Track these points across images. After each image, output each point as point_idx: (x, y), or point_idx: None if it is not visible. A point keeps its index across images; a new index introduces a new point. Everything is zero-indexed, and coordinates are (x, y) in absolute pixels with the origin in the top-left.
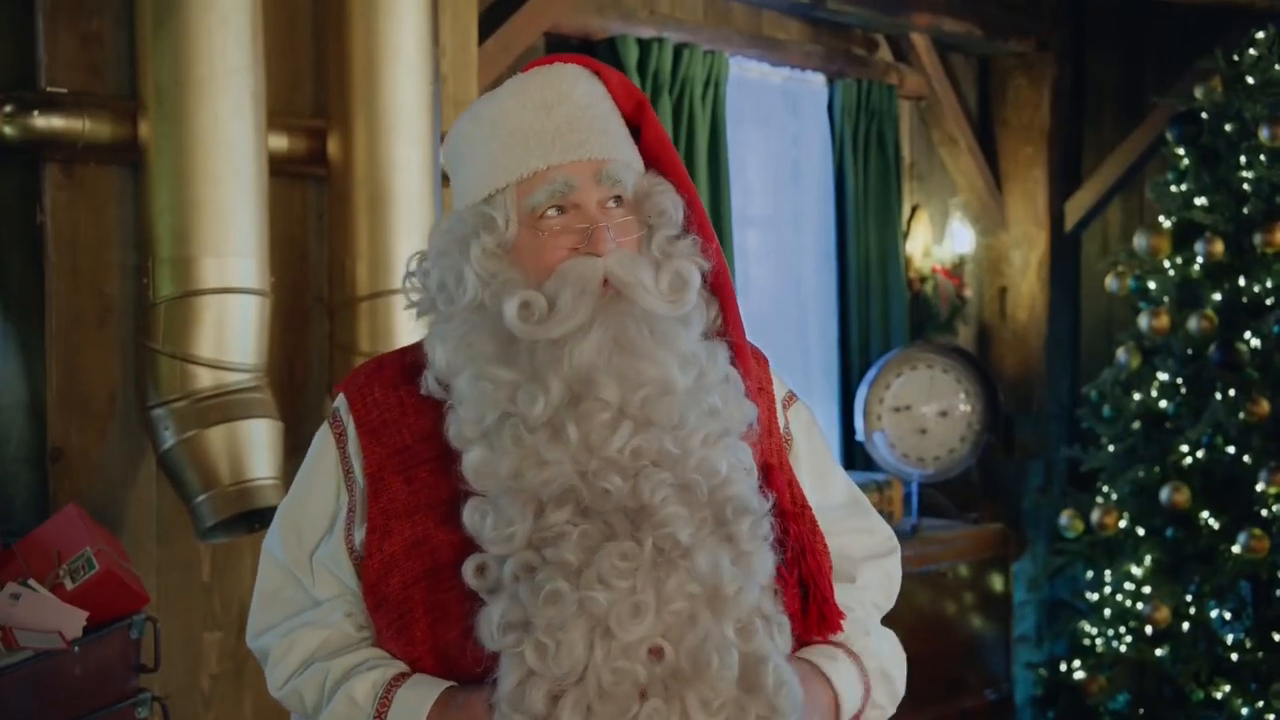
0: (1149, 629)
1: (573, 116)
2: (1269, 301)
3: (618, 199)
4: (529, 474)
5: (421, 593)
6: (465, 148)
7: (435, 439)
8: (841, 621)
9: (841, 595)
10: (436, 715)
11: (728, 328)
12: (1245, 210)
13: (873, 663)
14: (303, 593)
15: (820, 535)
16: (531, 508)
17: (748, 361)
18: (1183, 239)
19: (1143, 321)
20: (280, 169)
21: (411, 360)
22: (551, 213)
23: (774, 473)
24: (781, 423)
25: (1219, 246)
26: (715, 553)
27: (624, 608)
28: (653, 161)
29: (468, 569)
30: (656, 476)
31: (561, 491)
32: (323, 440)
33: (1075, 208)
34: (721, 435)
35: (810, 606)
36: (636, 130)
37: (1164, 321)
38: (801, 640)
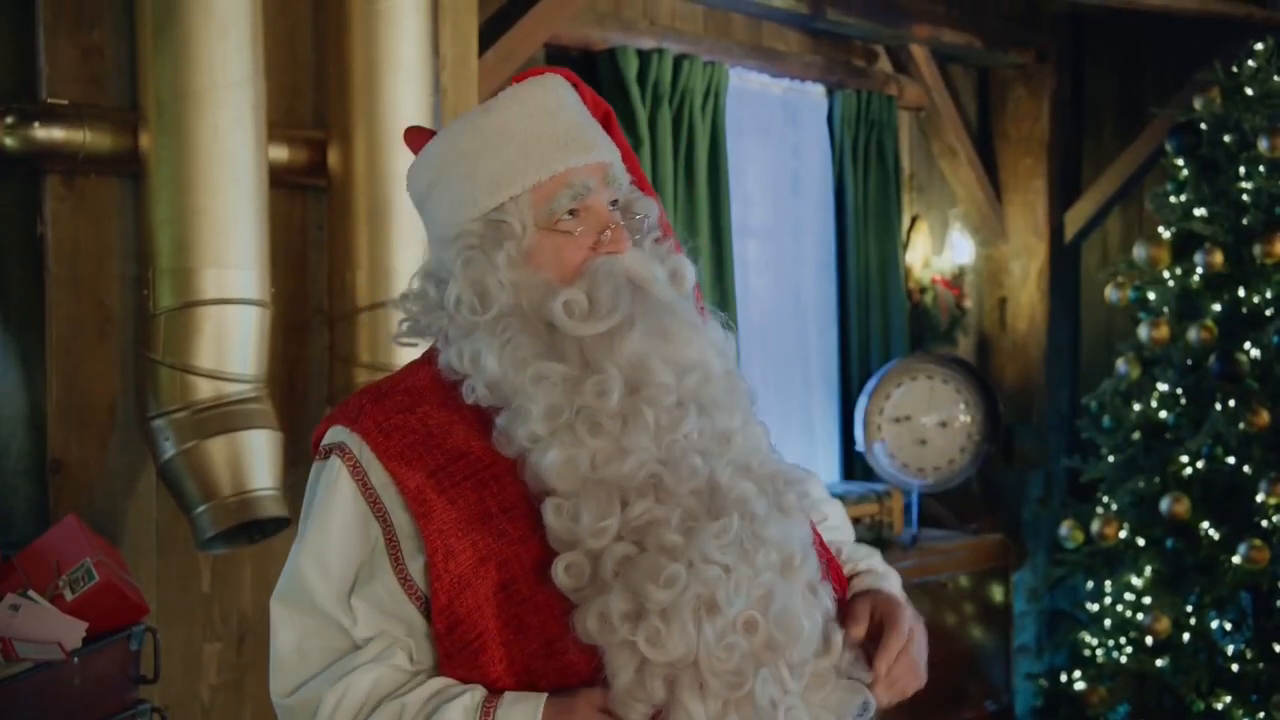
0: (1149, 640)
1: (576, 121)
2: (1268, 312)
3: (615, 202)
4: (610, 465)
5: (494, 609)
6: (463, 161)
7: (469, 455)
8: (856, 569)
9: (831, 533)
10: None
11: None
12: (1244, 221)
13: (894, 573)
14: (341, 636)
15: None
16: (617, 498)
17: None
18: (1182, 250)
19: (1142, 332)
20: (280, 180)
21: (414, 383)
22: (566, 216)
23: None
24: None
25: (1218, 257)
26: (782, 524)
27: (729, 583)
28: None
29: (558, 569)
30: (724, 456)
31: (643, 480)
32: (335, 475)
33: (1075, 218)
34: (752, 417)
35: (831, 569)
36: None
37: (1164, 332)
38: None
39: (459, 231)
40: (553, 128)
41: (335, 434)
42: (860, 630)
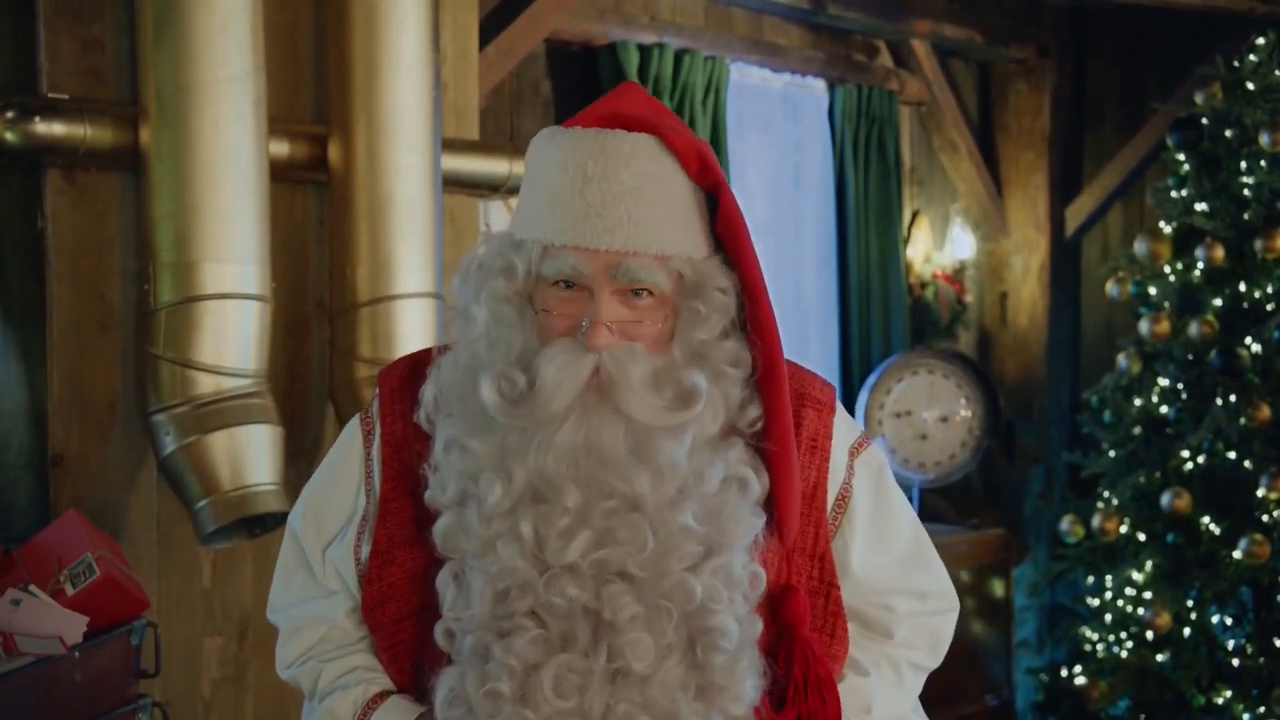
0: (1150, 634)
1: (607, 199)
2: (1270, 307)
3: (642, 291)
4: (483, 558)
5: (413, 627)
6: (529, 171)
7: None
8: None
9: (870, 651)
10: None
11: (772, 427)
12: (1245, 216)
13: None
14: (314, 580)
15: (827, 660)
16: (491, 590)
17: (789, 461)
18: (1183, 244)
19: (1143, 327)
20: (281, 175)
21: None
22: (562, 285)
23: (795, 595)
24: (841, 477)
25: (1219, 252)
26: (674, 687)
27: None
28: (723, 242)
29: (438, 632)
30: (622, 596)
31: (522, 583)
32: (353, 435)
33: (1076, 213)
34: (705, 556)
35: None
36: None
37: (1165, 327)
38: None
39: (495, 242)
40: (575, 196)
41: (375, 393)
42: None
